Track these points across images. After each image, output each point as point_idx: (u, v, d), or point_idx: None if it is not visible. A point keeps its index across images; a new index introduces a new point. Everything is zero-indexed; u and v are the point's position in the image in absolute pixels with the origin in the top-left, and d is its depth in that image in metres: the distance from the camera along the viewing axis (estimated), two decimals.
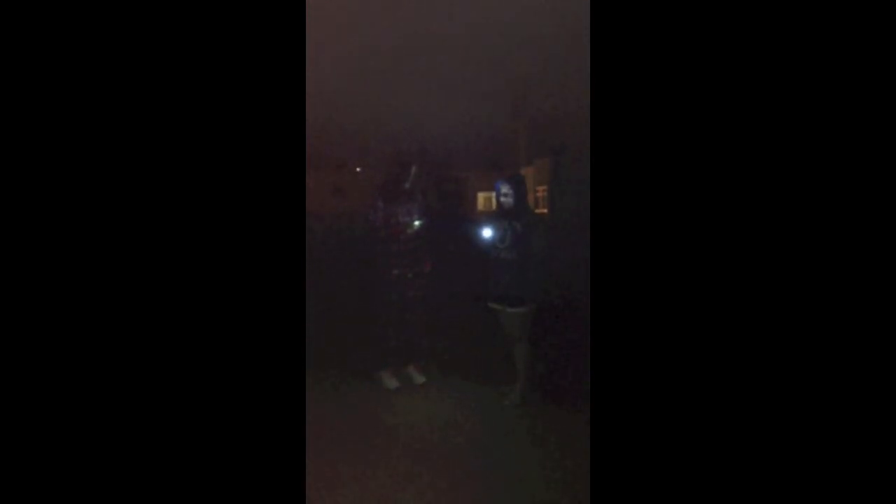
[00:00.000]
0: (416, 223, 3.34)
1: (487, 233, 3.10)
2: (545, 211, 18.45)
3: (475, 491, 2.18)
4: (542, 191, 20.58)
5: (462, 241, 3.47)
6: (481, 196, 23.31)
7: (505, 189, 3.05)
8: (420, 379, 3.44)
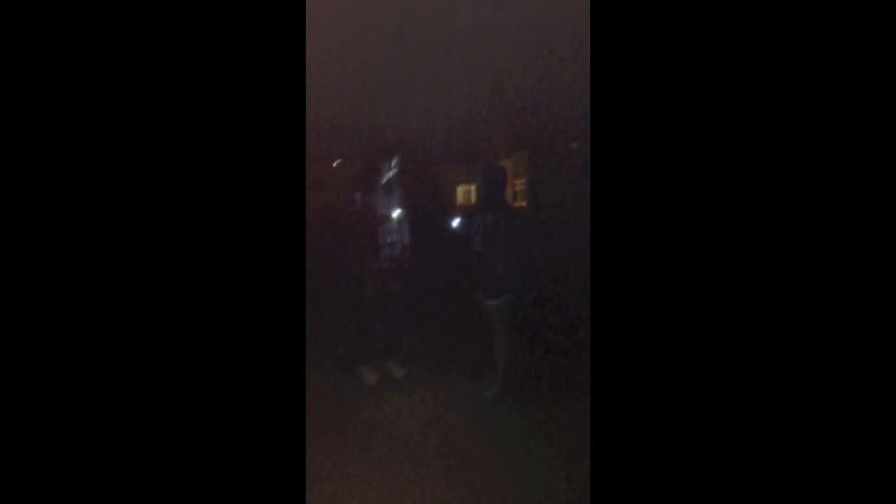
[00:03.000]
0: (395, 215, 3.31)
1: (461, 225, 3.12)
2: (524, 204, 18.53)
3: (456, 484, 2.18)
4: (520, 184, 20.66)
5: (441, 233, 3.46)
6: (460, 189, 23.31)
7: (480, 181, 3.07)
8: (400, 373, 3.43)
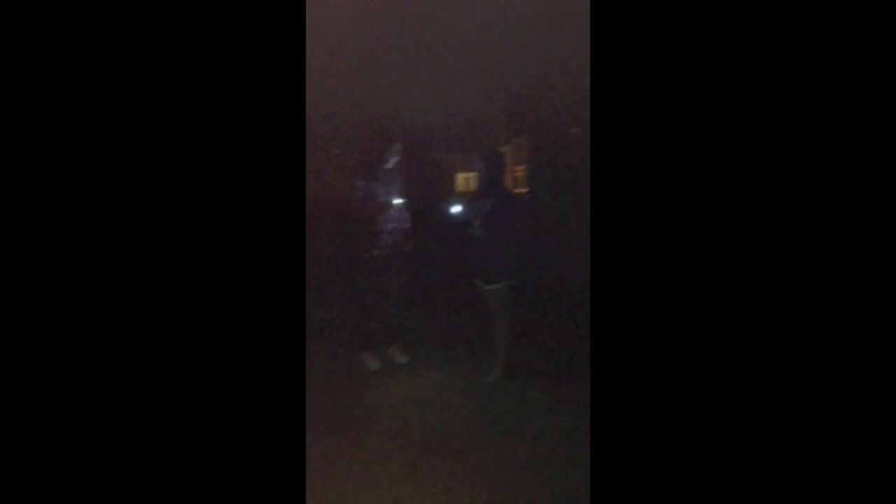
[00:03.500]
0: (397, 203, 3.33)
1: (459, 212, 3.15)
2: (524, 190, 18.48)
3: (459, 468, 2.21)
4: (520, 170, 20.58)
5: (441, 220, 3.49)
6: (460, 176, 23.25)
7: (480, 167, 3.08)
8: (402, 359, 3.46)
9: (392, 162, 3.32)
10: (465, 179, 22.88)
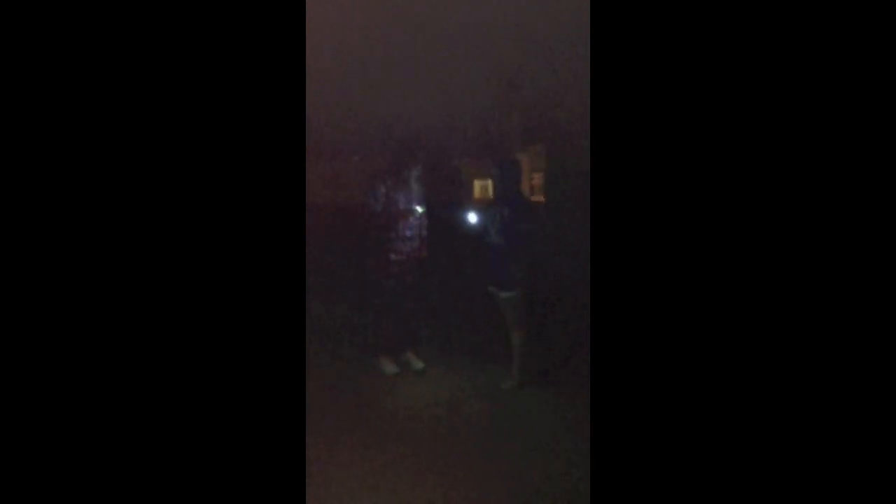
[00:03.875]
0: (418, 210, 3.38)
1: (475, 219, 3.18)
2: (541, 198, 18.33)
3: (474, 473, 2.24)
4: (537, 178, 20.43)
5: (458, 227, 3.53)
6: (477, 183, 23.17)
7: (496, 174, 3.11)
8: (419, 364, 3.50)
9: (410, 169, 3.37)
10: (482, 186, 22.78)
